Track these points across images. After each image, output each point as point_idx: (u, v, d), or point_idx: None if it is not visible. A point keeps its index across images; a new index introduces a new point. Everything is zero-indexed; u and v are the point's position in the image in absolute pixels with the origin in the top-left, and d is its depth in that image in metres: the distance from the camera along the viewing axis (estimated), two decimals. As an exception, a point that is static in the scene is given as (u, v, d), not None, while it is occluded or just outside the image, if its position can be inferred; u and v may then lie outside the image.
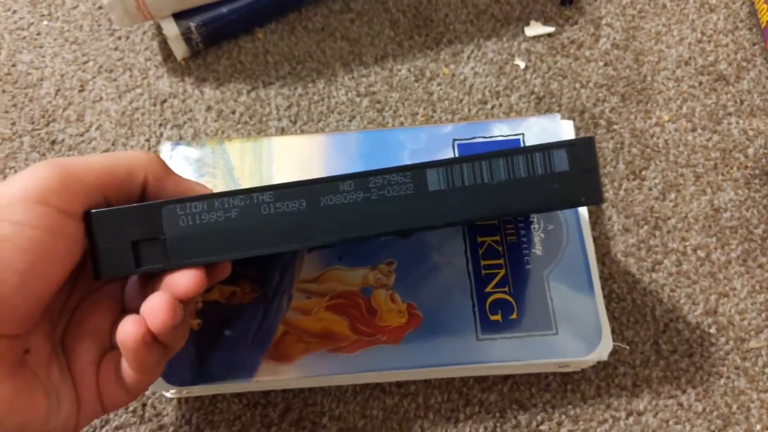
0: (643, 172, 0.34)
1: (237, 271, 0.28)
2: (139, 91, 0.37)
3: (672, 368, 0.30)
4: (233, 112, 0.36)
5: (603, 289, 0.31)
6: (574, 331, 0.27)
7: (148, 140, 0.35)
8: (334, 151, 0.31)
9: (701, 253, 0.32)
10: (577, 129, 0.35)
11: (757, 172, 0.34)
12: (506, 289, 0.28)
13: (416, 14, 0.38)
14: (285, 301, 0.27)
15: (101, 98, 0.37)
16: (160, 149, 0.32)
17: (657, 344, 0.30)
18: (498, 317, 0.27)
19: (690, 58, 0.37)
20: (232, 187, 0.29)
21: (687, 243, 0.32)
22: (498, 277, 0.28)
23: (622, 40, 0.37)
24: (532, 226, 0.29)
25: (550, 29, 0.37)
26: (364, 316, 0.27)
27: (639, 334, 0.30)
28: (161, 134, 0.35)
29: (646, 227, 0.33)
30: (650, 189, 0.33)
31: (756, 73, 0.36)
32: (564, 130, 0.31)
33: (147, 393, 0.29)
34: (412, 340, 0.27)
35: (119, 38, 0.38)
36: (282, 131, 0.35)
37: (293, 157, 0.31)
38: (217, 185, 0.30)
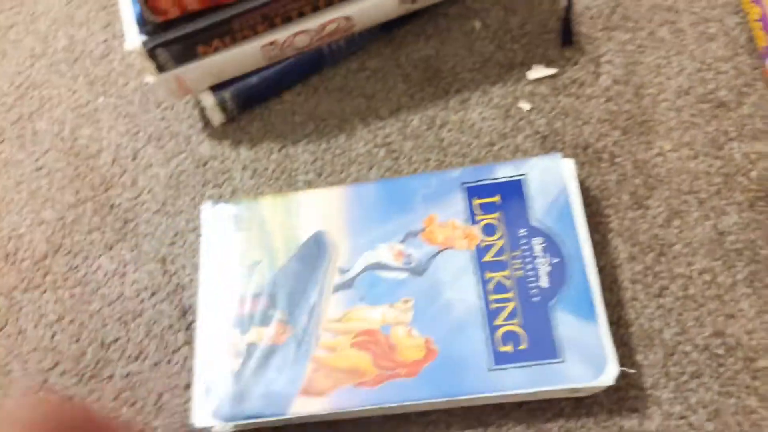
0: (647, 201, 0.37)
1: (269, 313, 0.33)
2: (183, 156, 0.44)
3: (681, 389, 0.33)
4: (266, 169, 0.42)
5: (611, 315, 0.35)
6: (581, 358, 0.31)
7: (193, 199, 0.42)
8: (355, 201, 0.36)
9: (707, 277, 0.35)
10: (581, 164, 0.39)
11: (761, 194, 0.36)
12: (515, 321, 0.32)
13: (426, 67, 0.44)
14: (314, 341, 0.33)
15: (151, 164, 0.44)
16: (201, 209, 0.38)
17: (666, 367, 0.33)
18: (509, 348, 0.31)
19: (690, 87, 0.40)
20: (265, 240, 0.35)
21: (693, 267, 0.35)
22: (507, 310, 0.32)
23: (623, 76, 0.41)
24: (537, 260, 0.33)
25: (552, 71, 0.42)
26: (385, 352, 0.32)
27: (648, 357, 0.34)
28: (204, 194, 0.42)
29: (651, 254, 0.36)
30: (654, 217, 0.37)
31: (757, 97, 0.39)
32: (565, 168, 0.35)
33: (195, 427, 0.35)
34: (429, 372, 0.31)
35: (165, 109, 0.45)
36: (309, 184, 0.41)
37: (319, 209, 0.37)
38: (252, 237, 0.36)
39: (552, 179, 0.35)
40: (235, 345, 0.33)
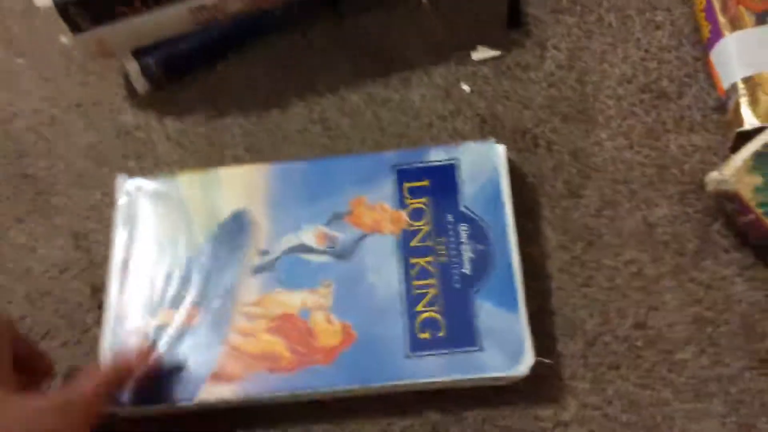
0: (581, 191, 0.37)
1: (181, 295, 0.32)
2: (105, 124, 0.41)
3: (599, 380, 0.33)
4: (192, 142, 0.40)
5: (536, 304, 0.35)
6: (499, 348, 0.31)
7: (112, 171, 0.39)
8: (279, 179, 0.35)
9: (634, 268, 0.35)
10: (518, 150, 0.38)
11: (692, 187, 0.37)
12: (436, 308, 0.32)
13: (369, 43, 0.42)
14: (227, 324, 0.32)
15: (70, 133, 0.41)
16: (117, 182, 0.36)
17: (585, 357, 0.34)
18: (427, 335, 0.31)
19: (633, 76, 0.40)
20: (183, 219, 0.34)
21: (620, 258, 0.35)
22: (429, 297, 0.32)
23: (567, 61, 0.40)
24: (462, 246, 0.33)
25: (497, 53, 0.41)
26: (302, 337, 0.31)
27: (569, 347, 0.34)
28: (125, 166, 0.40)
29: (581, 244, 0.36)
30: (587, 206, 0.37)
31: (697, 89, 0.39)
32: (497, 155, 0.35)
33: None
34: (345, 359, 0.31)
35: (88, 74, 0.43)
36: (237, 159, 0.39)
37: (241, 187, 0.35)
38: (169, 215, 0.35)
39: (484, 166, 0.34)
40: (143, 327, 0.31)
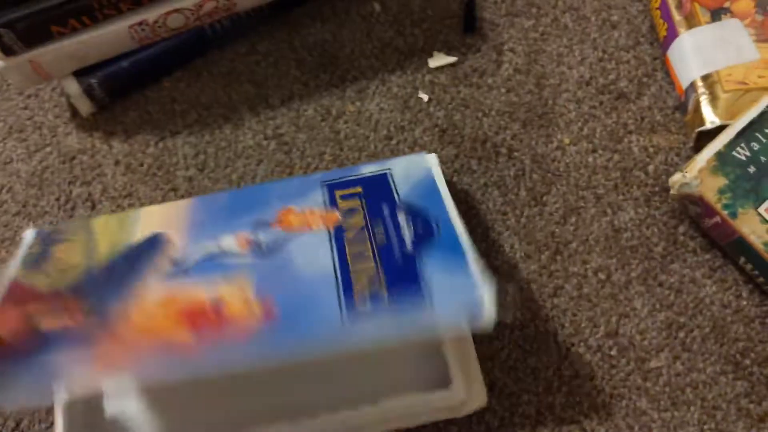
0: (545, 198, 0.36)
1: (69, 306, 0.29)
2: (48, 149, 0.39)
3: (574, 393, 0.32)
4: (141, 165, 0.38)
5: (505, 317, 0.33)
6: (451, 301, 0.27)
7: (58, 199, 0.37)
8: (201, 209, 0.32)
9: (602, 275, 0.34)
10: (478, 159, 0.37)
11: (657, 189, 0.36)
12: (376, 283, 0.28)
13: (322, 52, 0.40)
14: (119, 321, 0.28)
15: (11, 159, 0.39)
16: (23, 236, 0.33)
17: (560, 370, 0.32)
18: (366, 306, 0.27)
19: (591, 77, 0.39)
20: (89, 248, 0.31)
21: (588, 266, 0.34)
22: (367, 276, 0.28)
23: (524, 65, 0.39)
24: (401, 230, 0.30)
25: (453, 59, 0.39)
26: (209, 322, 0.27)
27: (542, 360, 0.32)
28: (71, 192, 0.37)
29: (547, 252, 0.35)
30: (551, 214, 0.35)
31: (656, 88, 0.38)
32: (429, 160, 0.33)
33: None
34: (263, 335, 0.27)
35: (28, 97, 0.40)
36: (189, 180, 0.37)
37: (158, 220, 0.32)
38: (75, 246, 0.32)
39: (417, 170, 0.33)
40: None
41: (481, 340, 0.33)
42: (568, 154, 0.37)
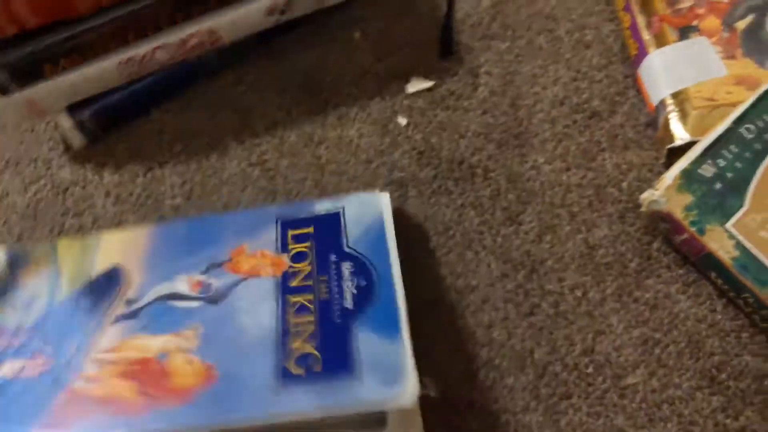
0: (520, 217, 0.36)
1: (30, 346, 0.30)
2: (42, 182, 0.40)
3: (551, 412, 0.32)
4: (131, 195, 0.39)
5: (485, 338, 0.33)
6: (377, 375, 0.28)
7: (51, 230, 0.38)
8: (159, 238, 0.33)
9: (578, 293, 0.34)
10: (455, 180, 0.37)
11: (630, 205, 0.36)
12: (313, 343, 0.29)
13: (305, 80, 0.41)
14: (74, 373, 0.29)
15: (8, 192, 0.40)
16: None
17: (537, 389, 0.32)
18: (301, 371, 0.28)
19: (565, 97, 0.39)
20: (52, 277, 0.32)
21: (563, 284, 0.34)
22: (306, 334, 0.29)
23: (500, 87, 0.40)
24: (344, 283, 0.31)
25: (430, 83, 0.40)
26: (155, 380, 0.28)
27: (519, 380, 0.32)
28: (63, 223, 0.38)
29: (523, 271, 0.35)
30: (527, 233, 0.35)
31: (629, 106, 0.38)
32: (381, 201, 0.33)
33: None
34: (205, 397, 0.28)
35: (24, 131, 0.41)
36: (176, 209, 0.38)
37: (118, 247, 0.33)
38: (38, 274, 0.33)
39: (368, 211, 0.33)
40: None
41: (458, 360, 0.33)
42: (542, 173, 0.37)
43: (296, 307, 0.30)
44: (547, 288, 0.34)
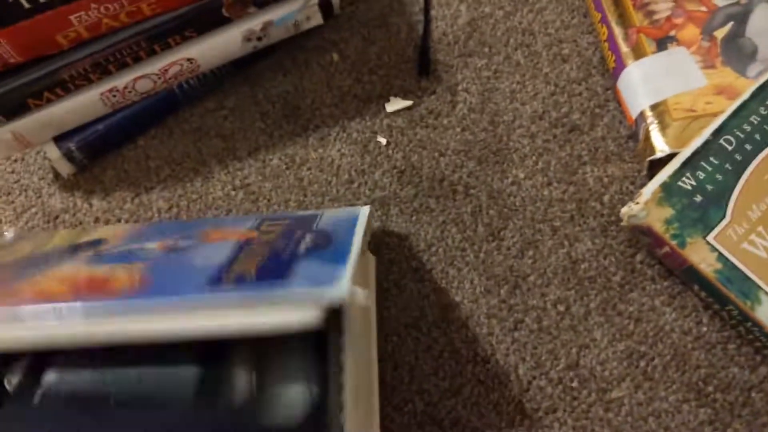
0: (502, 233, 0.35)
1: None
2: (33, 210, 0.40)
3: (536, 427, 0.31)
4: (119, 220, 0.39)
5: (467, 351, 0.33)
6: (309, 280, 0.26)
7: (40, 258, 0.38)
8: (147, 228, 0.34)
9: (561, 307, 0.33)
10: (437, 198, 0.37)
11: (612, 218, 0.35)
12: (253, 267, 0.27)
13: (285, 103, 0.41)
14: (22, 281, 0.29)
15: (0, 221, 0.40)
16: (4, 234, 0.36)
17: (522, 404, 0.32)
18: (232, 282, 0.26)
19: (544, 112, 0.39)
20: (41, 247, 0.32)
21: (547, 298, 0.34)
22: (251, 265, 0.28)
23: (478, 104, 0.39)
24: (302, 241, 0.30)
25: (409, 102, 0.40)
26: (92, 286, 0.28)
27: (504, 395, 0.32)
28: (52, 251, 0.38)
29: (506, 287, 0.34)
30: (509, 249, 0.35)
31: (609, 118, 0.38)
32: (360, 212, 0.33)
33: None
34: (129, 296, 0.26)
35: (15, 161, 0.42)
36: (162, 234, 0.38)
37: (105, 232, 0.34)
38: (37, 236, 0.34)
39: (345, 213, 0.33)
40: None
41: (443, 376, 0.32)
42: (523, 189, 0.36)
43: (248, 251, 0.29)
44: (530, 303, 0.33)
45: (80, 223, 0.39)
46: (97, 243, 0.33)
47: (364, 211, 0.33)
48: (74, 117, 0.38)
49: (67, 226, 0.39)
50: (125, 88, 0.37)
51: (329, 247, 0.28)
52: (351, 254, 0.27)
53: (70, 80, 0.36)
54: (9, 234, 0.36)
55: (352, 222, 0.32)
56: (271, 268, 0.27)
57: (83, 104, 0.37)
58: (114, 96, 0.37)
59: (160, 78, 0.38)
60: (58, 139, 0.39)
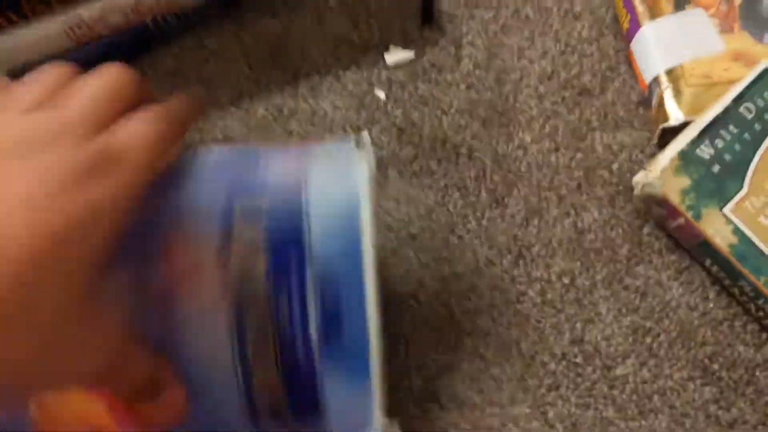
0: (506, 199, 0.32)
1: None
2: None
3: (539, 404, 0.29)
4: (81, 171, 0.34)
5: (469, 326, 0.30)
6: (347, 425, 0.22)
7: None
8: None
9: (566, 280, 0.31)
10: (438, 160, 0.33)
11: (621, 188, 0.33)
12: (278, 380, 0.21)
13: (273, 47, 0.36)
14: None
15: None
16: None
17: (524, 380, 0.29)
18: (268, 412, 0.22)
19: (553, 72, 0.35)
20: None
21: (551, 270, 0.31)
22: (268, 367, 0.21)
23: (485, 60, 0.36)
24: (309, 306, 0.21)
25: (410, 54, 0.36)
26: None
27: (506, 371, 0.29)
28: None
29: (509, 257, 0.31)
30: (513, 216, 0.32)
31: (620, 82, 0.35)
32: (359, 174, 0.22)
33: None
34: None
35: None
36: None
37: None
38: None
39: (340, 186, 0.22)
40: None
41: (442, 350, 0.30)
42: (529, 154, 0.33)
43: (254, 344, 0.21)
44: (534, 275, 0.31)
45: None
46: None
47: (364, 173, 0.22)
48: (32, 51, 0.32)
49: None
50: (93, 20, 0.32)
51: (342, 330, 0.21)
52: (371, 360, 0.21)
53: (27, 4, 0.30)
54: None
55: (354, 229, 0.21)
56: (299, 399, 0.21)
57: (43, 36, 0.31)
58: (80, 29, 0.32)
59: (133, 10, 0.32)
60: (15, 76, 0.33)
